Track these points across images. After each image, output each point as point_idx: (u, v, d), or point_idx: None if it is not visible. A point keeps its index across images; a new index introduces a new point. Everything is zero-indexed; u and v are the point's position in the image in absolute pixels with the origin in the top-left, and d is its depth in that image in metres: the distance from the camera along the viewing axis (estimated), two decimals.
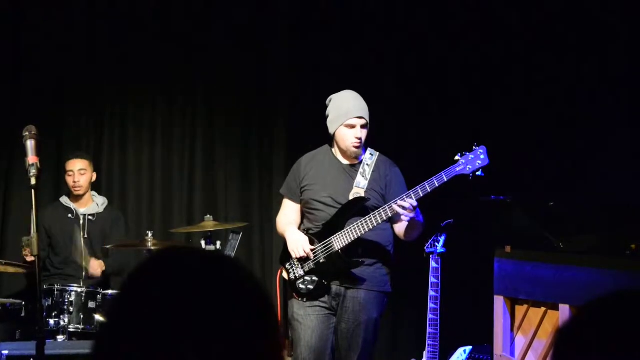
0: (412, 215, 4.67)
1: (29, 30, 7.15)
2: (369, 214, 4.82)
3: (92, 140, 7.34)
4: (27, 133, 4.03)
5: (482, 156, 4.69)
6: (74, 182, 6.58)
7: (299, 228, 5.11)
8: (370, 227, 4.79)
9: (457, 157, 4.70)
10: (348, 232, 4.85)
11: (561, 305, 4.84)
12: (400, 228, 4.98)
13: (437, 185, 4.66)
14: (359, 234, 4.82)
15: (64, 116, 7.28)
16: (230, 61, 7.46)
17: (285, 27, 7.53)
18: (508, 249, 5.25)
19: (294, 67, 7.50)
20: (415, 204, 4.64)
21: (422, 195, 4.67)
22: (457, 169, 4.67)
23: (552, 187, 6.51)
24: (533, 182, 6.63)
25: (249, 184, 7.55)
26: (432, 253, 5.56)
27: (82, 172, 6.61)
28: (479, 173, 4.71)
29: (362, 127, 4.94)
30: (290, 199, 5.22)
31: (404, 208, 4.64)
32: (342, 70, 7.31)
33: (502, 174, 6.71)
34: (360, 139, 4.94)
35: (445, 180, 4.66)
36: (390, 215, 4.75)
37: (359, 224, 4.81)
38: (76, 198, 6.66)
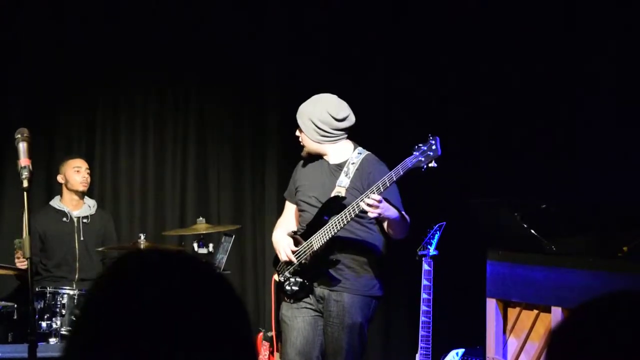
0: (379, 211, 4.63)
1: (20, 32, 7.14)
2: None
3: (83, 143, 7.33)
4: (19, 135, 4.02)
5: (433, 147, 4.61)
6: (83, 177, 6.61)
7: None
8: (343, 224, 4.75)
9: (413, 149, 4.66)
10: (324, 231, 4.84)
11: (553, 308, 4.84)
12: (385, 225, 4.97)
13: (394, 179, 4.62)
14: (335, 232, 4.79)
15: (55, 118, 7.27)
16: (222, 62, 7.46)
17: (279, 26, 7.54)
18: (500, 251, 5.26)
19: (286, 66, 7.50)
20: (378, 198, 4.60)
21: (382, 190, 4.64)
22: (412, 161, 4.62)
23: (544, 189, 6.52)
24: (525, 184, 6.63)
25: (242, 187, 7.55)
26: (424, 255, 5.57)
27: (88, 170, 6.69)
28: (432, 164, 4.64)
29: (299, 131, 5.06)
30: (289, 200, 5.26)
31: (369, 205, 4.61)
32: (336, 70, 7.30)
33: (495, 176, 6.74)
34: (300, 141, 5.06)
35: (402, 173, 4.61)
36: (357, 212, 4.72)
37: (333, 222, 4.80)
38: (72, 199, 6.66)
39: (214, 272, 1.38)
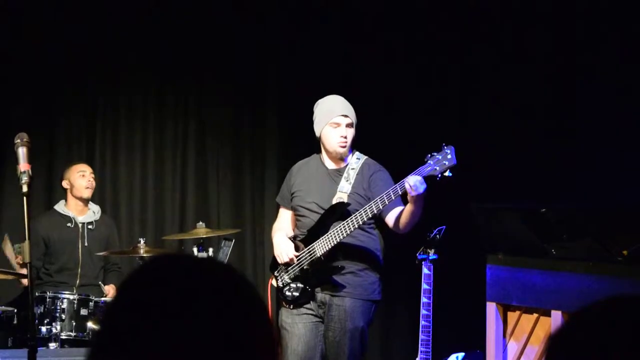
0: (418, 192, 4.55)
1: (17, 37, 7.13)
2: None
3: (83, 148, 7.32)
4: (18, 140, 4.02)
5: (449, 156, 4.60)
6: (88, 181, 6.61)
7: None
8: (349, 231, 4.75)
9: (426, 158, 4.65)
10: (329, 237, 4.83)
11: (553, 312, 4.84)
12: (390, 219, 4.90)
13: (406, 188, 4.63)
14: (340, 238, 4.79)
15: (54, 124, 7.26)
16: (221, 65, 7.45)
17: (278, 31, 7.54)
18: (500, 255, 5.26)
19: (285, 70, 7.50)
20: (419, 182, 4.56)
21: (393, 198, 4.64)
22: (426, 170, 4.60)
23: (544, 193, 6.52)
24: (525, 189, 6.63)
25: (242, 191, 7.54)
26: (424, 259, 5.56)
27: (92, 175, 6.67)
28: (447, 174, 4.62)
29: (348, 126, 4.94)
30: (284, 206, 5.23)
31: (410, 186, 4.55)
32: (334, 73, 7.30)
33: (494, 180, 6.74)
34: (345, 137, 4.94)
35: None
36: (365, 219, 4.70)
37: (340, 228, 4.78)
38: (77, 205, 6.64)
39: (238, 275, 1.38)
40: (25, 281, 5.89)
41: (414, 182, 4.54)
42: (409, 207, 4.77)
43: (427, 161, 4.61)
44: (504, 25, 7.07)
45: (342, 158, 5.02)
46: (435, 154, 4.62)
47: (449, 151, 4.59)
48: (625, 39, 6.51)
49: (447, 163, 4.58)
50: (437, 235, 5.57)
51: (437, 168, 4.58)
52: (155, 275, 1.34)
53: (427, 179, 4.59)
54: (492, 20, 7.14)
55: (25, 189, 3.89)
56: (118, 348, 1.27)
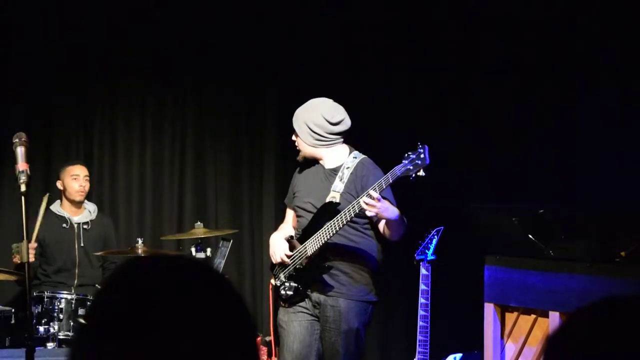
0: (376, 210, 4.59)
1: (17, 37, 7.13)
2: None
3: (81, 146, 7.32)
4: (16, 140, 4.02)
5: (422, 156, 4.58)
6: (80, 186, 6.57)
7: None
8: (336, 230, 4.74)
9: (402, 158, 4.64)
10: (318, 237, 4.83)
11: (551, 313, 4.84)
12: (381, 227, 4.93)
13: (384, 187, 4.62)
14: (327, 238, 4.78)
15: (52, 123, 7.26)
16: (220, 65, 7.45)
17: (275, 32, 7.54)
18: (498, 256, 5.26)
19: (285, 71, 7.49)
20: (376, 196, 4.57)
21: (378, 192, 4.63)
22: (401, 169, 4.60)
23: (544, 193, 6.52)
24: (522, 189, 6.63)
25: (240, 191, 7.54)
26: (422, 260, 5.57)
27: (87, 178, 6.64)
28: (420, 173, 4.62)
29: (294, 133, 5.09)
30: (288, 206, 5.26)
31: (366, 204, 4.58)
32: (335, 73, 7.30)
33: (493, 180, 6.74)
34: (294, 141, 5.09)
35: (391, 181, 4.60)
36: (350, 217, 4.70)
37: (326, 228, 4.78)
38: (71, 205, 6.63)
39: (214, 273, 1.39)
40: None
41: (365, 204, 4.57)
42: (383, 221, 4.84)
43: (402, 161, 4.61)
44: (504, 25, 7.06)
45: (303, 159, 5.11)
46: (410, 153, 4.61)
47: (422, 151, 4.58)
48: (626, 39, 6.51)
49: (420, 163, 4.57)
50: (435, 236, 5.58)
51: (411, 168, 4.57)
52: (135, 278, 1.34)
53: (402, 179, 4.59)
54: (492, 20, 7.13)
55: (23, 188, 3.89)
56: (97, 348, 1.27)
